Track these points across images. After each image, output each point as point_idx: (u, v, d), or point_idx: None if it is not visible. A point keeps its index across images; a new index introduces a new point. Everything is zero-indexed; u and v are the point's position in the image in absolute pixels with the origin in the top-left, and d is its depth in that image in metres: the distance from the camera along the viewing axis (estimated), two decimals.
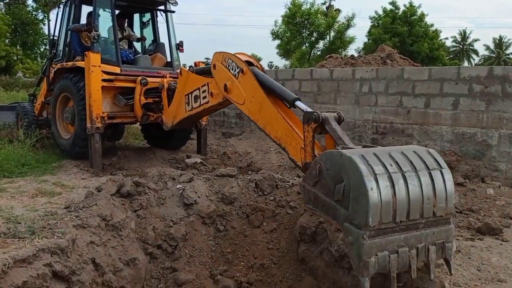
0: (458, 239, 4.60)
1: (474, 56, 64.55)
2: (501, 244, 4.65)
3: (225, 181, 6.20)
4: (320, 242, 5.02)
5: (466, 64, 58.64)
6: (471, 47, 64.78)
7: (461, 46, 64.33)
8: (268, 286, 5.06)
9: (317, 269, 4.75)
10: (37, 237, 4.08)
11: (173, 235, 5.42)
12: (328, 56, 13.18)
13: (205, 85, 6.00)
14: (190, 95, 6.41)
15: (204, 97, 6.05)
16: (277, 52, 45.64)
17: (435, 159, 3.33)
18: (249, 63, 5.04)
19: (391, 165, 3.10)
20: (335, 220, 3.26)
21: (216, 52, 5.57)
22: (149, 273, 5.17)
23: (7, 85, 23.82)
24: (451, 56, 58.42)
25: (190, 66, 6.76)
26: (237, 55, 5.15)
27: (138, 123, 9.09)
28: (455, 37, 64.57)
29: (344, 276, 4.71)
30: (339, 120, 3.96)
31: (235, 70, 5.07)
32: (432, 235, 3.23)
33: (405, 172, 3.10)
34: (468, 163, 7.53)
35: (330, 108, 9.97)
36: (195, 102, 6.30)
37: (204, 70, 6.24)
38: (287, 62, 47.30)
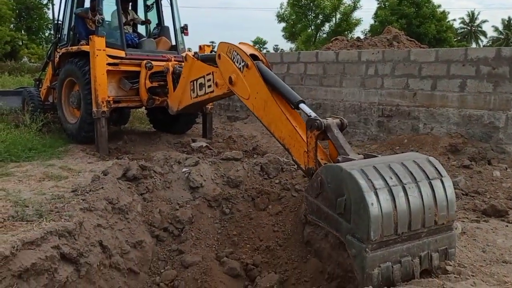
0: (464, 221, 4.61)
1: (482, 37, 63.68)
2: (507, 226, 4.65)
3: (231, 164, 6.22)
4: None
5: (474, 46, 57.92)
6: (479, 29, 63.88)
7: (469, 28, 63.45)
8: (274, 267, 5.10)
9: (322, 251, 4.77)
10: (44, 220, 4.12)
11: (179, 218, 5.47)
12: (334, 38, 13.07)
13: (210, 74, 5.94)
14: (195, 82, 6.36)
15: (209, 86, 6.00)
16: (283, 35, 45.36)
17: (435, 167, 3.35)
18: (254, 57, 4.93)
19: (391, 178, 3.12)
20: (338, 233, 3.30)
21: (221, 42, 5.48)
22: (156, 255, 5.23)
23: (12, 70, 23.84)
24: (459, 38, 57.68)
25: (195, 53, 6.70)
26: (242, 48, 5.04)
27: (144, 107, 9.10)
28: (463, 18, 63.73)
29: (349, 258, 4.73)
30: (342, 127, 3.94)
31: (240, 63, 4.98)
32: (435, 243, 3.27)
33: (405, 184, 3.13)
34: (474, 146, 7.49)
35: (335, 91, 9.93)
36: (200, 90, 6.26)
37: (209, 58, 6.16)
38: (293, 45, 47.00)
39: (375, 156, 3.61)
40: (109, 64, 7.45)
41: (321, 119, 3.82)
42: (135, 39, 8.43)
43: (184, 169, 5.97)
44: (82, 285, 4.11)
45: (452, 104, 8.04)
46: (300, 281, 4.75)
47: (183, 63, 7.23)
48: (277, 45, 73.28)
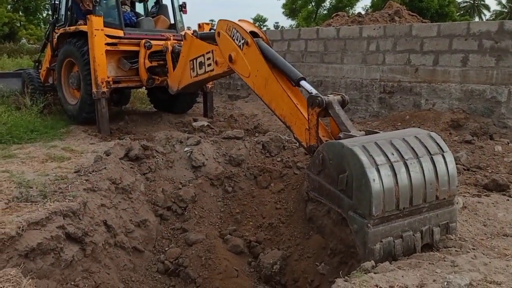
0: (465, 196, 4.63)
1: (485, 11, 62.76)
2: (508, 200, 4.67)
3: (232, 143, 6.23)
4: None
5: (477, 20, 57.14)
6: (482, 2, 62.88)
7: (472, 2, 62.50)
8: (277, 244, 5.16)
9: (324, 228, 4.81)
10: (49, 200, 4.16)
11: (182, 197, 5.50)
12: (335, 14, 12.91)
13: (209, 52, 5.88)
14: (194, 61, 6.32)
15: (209, 65, 5.96)
16: (283, 12, 44.79)
17: (437, 143, 3.34)
18: (254, 34, 4.86)
19: (393, 154, 3.12)
20: (340, 209, 3.32)
21: (220, 20, 5.41)
22: (160, 234, 5.28)
23: (11, 52, 23.68)
24: (462, 12, 56.86)
25: (194, 31, 6.63)
26: (241, 25, 4.96)
27: (144, 87, 9.07)
28: None
29: (351, 234, 4.78)
30: (343, 104, 3.91)
31: (239, 41, 4.91)
32: (436, 217, 3.29)
33: (407, 159, 3.13)
34: (476, 121, 7.48)
35: (337, 68, 9.86)
36: (200, 69, 6.22)
37: (208, 36, 6.10)
38: (293, 22, 46.44)
39: (377, 133, 3.60)
40: (107, 44, 7.39)
41: (322, 96, 3.80)
42: (133, 18, 8.34)
43: (186, 149, 5.99)
44: (88, 263, 4.17)
45: (454, 79, 7.99)
46: (303, 257, 4.80)
47: (182, 42, 7.17)
48: (277, 23, 72.56)
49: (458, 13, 48.31)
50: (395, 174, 3.05)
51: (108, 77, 7.47)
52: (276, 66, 4.51)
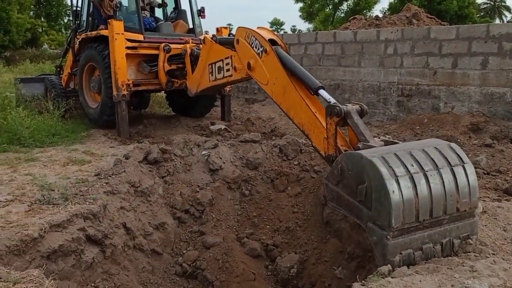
0: (485, 200, 4.57)
1: (506, 13, 61.69)
2: None
3: (249, 146, 6.26)
4: None
5: (497, 21, 56.21)
6: (503, 4, 61.84)
7: (492, 3, 61.49)
8: (294, 248, 5.16)
9: (342, 231, 4.80)
10: (70, 203, 4.25)
11: (200, 200, 5.55)
12: (352, 17, 12.87)
13: (228, 57, 5.89)
14: (213, 65, 6.36)
15: (228, 70, 5.98)
16: (300, 15, 44.78)
17: (457, 154, 3.29)
18: (272, 42, 4.84)
19: (412, 165, 3.09)
20: (359, 220, 3.28)
21: (239, 27, 5.43)
22: (178, 237, 5.34)
23: (33, 58, 24.20)
24: (482, 14, 55.97)
25: (213, 35, 6.67)
26: (260, 33, 4.96)
27: (163, 91, 9.17)
28: None
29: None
30: (362, 113, 3.86)
31: (258, 49, 4.90)
32: (457, 230, 3.24)
33: (427, 171, 3.09)
34: (496, 124, 7.36)
35: (354, 71, 9.83)
36: (218, 73, 6.24)
37: (227, 41, 6.13)
38: (311, 25, 46.36)
39: (396, 143, 3.57)
40: (128, 47, 7.53)
41: (340, 106, 3.77)
42: (152, 23, 8.47)
43: (203, 152, 6.04)
44: (108, 265, 4.24)
45: (474, 82, 7.89)
46: (320, 261, 4.80)
47: (200, 45, 7.24)
48: (294, 26, 72.46)
49: (478, 15, 47.54)
50: (414, 186, 3.02)
51: (128, 80, 7.60)
52: (295, 74, 4.48)
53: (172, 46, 7.77)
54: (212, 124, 8.58)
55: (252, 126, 9.00)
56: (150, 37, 7.90)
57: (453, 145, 3.39)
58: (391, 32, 9.18)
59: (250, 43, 5.04)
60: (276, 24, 73.02)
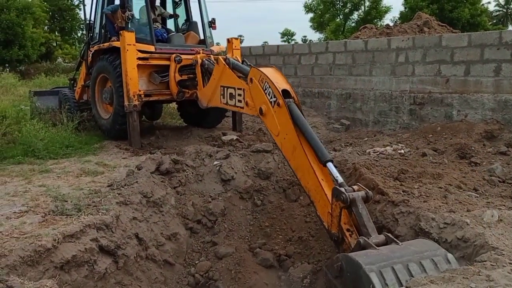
0: (501, 209, 4.49)
1: None
2: None
3: (261, 156, 6.26)
4: None
5: (510, 28, 55.76)
6: None
7: (505, 10, 61.07)
8: (307, 258, 5.12)
9: None
10: (83, 214, 4.28)
11: (212, 210, 5.56)
12: (363, 27, 12.86)
13: (241, 89, 5.70)
14: (225, 89, 6.22)
15: (240, 101, 5.79)
16: (311, 26, 44.97)
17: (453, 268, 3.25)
18: (285, 93, 4.64)
19: (407, 281, 3.07)
20: None
21: (253, 68, 5.22)
22: (190, 247, 5.34)
23: (48, 71, 24.60)
24: (494, 21, 55.59)
25: (226, 57, 6.55)
26: (274, 82, 4.71)
27: (175, 102, 9.23)
28: (498, 0, 61.35)
29: None
30: (367, 199, 3.78)
31: (271, 97, 4.72)
32: None
33: None
34: (511, 131, 7.26)
35: (365, 80, 9.80)
36: (230, 100, 6.09)
37: (240, 70, 5.94)
38: (321, 35, 46.49)
39: (397, 243, 3.49)
40: (139, 58, 7.61)
41: (346, 193, 3.64)
42: (164, 34, 8.56)
43: (215, 162, 6.06)
44: (121, 276, 4.25)
45: (487, 89, 7.81)
46: None
47: (211, 56, 7.27)
48: (305, 36, 72.71)
49: (490, 22, 47.25)
50: None
51: (140, 91, 7.67)
52: (305, 137, 4.31)
53: (183, 56, 7.83)
54: (224, 134, 8.60)
55: (264, 136, 9.00)
56: (162, 48, 7.98)
57: (450, 256, 3.34)
58: (402, 40, 9.16)
59: (264, 88, 4.86)
60: (287, 34, 73.37)
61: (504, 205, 4.71)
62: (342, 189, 3.67)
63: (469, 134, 7.23)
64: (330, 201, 3.86)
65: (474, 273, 3.03)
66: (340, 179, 3.87)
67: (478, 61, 7.88)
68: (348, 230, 3.78)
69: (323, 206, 4.05)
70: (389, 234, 3.56)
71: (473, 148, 6.65)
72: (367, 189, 3.83)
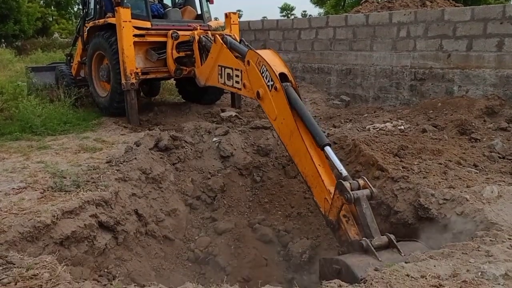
0: (500, 185, 4.49)
1: None
2: None
3: (260, 133, 6.23)
4: None
5: None
6: None
7: None
8: (306, 233, 5.15)
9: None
10: (82, 190, 4.27)
11: (212, 186, 5.56)
12: (364, 1, 12.64)
13: (238, 70, 5.59)
14: (223, 68, 6.11)
15: (237, 82, 5.69)
16: (311, 0, 44.22)
17: None
18: (283, 77, 4.54)
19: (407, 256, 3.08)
20: None
21: (250, 50, 5.10)
22: (190, 223, 5.36)
23: (44, 47, 24.27)
24: None
25: (224, 36, 6.41)
26: (271, 65, 4.60)
27: (172, 78, 9.14)
28: None
29: (381, 223, 4.72)
30: (371, 197, 3.66)
31: (268, 81, 4.63)
32: None
33: None
34: None
35: (366, 55, 9.69)
36: (228, 80, 5.98)
37: (238, 50, 5.80)
38: (321, 10, 45.81)
39: (399, 251, 3.36)
40: (135, 35, 7.48)
41: (352, 186, 3.56)
42: (160, 9, 8.40)
43: (214, 139, 6.03)
44: (120, 251, 4.27)
45: (489, 64, 7.72)
46: (332, 246, 4.79)
47: (209, 32, 7.14)
48: (305, 11, 71.79)
49: None
50: None
51: (137, 69, 7.57)
52: (303, 121, 4.23)
53: (180, 33, 7.69)
54: (223, 111, 8.55)
55: (263, 113, 8.89)
56: (158, 24, 7.83)
57: None
58: (404, 14, 9.00)
59: (261, 72, 4.76)
60: (286, 9, 72.34)
61: (503, 181, 4.70)
62: (347, 185, 3.57)
63: (469, 110, 7.19)
64: (327, 188, 3.83)
65: (474, 249, 3.04)
66: (344, 172, 3.77)
67: (481, 36, 7.77)
68: (344, 216, 3.75)
69: (319, 192, 4.02)
70: (391, 236, 3.50)
71: (473, 124, 6.61)
72: (371, 186, 3.70)
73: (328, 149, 4.00)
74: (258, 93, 4.81)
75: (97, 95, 8.47)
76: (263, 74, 4.72)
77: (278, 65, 4.65)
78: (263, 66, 4.71)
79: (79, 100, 8.68)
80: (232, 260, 5.00)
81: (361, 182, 3.68)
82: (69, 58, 10.29)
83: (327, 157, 4.01)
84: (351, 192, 3.55)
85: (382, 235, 3.52)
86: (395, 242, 3.45)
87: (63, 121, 7.39)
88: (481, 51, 7.81)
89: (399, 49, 9.07)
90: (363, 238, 3.48)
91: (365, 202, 3.63)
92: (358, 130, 7.08)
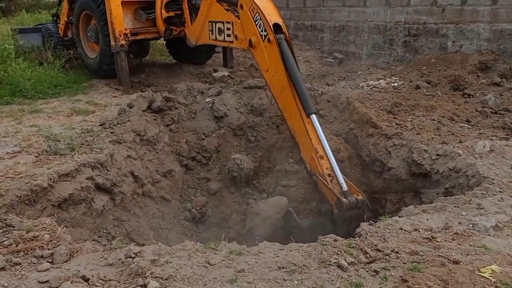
0: (492, 139, 4.54)
1: None
2: None
3: (254, 92, 6.19)
4: (352, 147, 5.08)
5: None
6: None
7: None
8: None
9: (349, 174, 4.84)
10: (77, 153, 4.26)
11: (206, 147, 5.57)
12: None
13: (229, 23, 5.47)
14: (214, 24, 5.97)
15: (229, 35, 5.57)
16: None
17: None
18: (277, 28, 4.39)
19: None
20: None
21: None
22: (186, 183, 5.41)
23: (29, 7, 23.56)
24: None
25: None
26: (265, 14, 4.44)
27: (162, 39, 8.96)
28: None
29: (375, 179, 4.80)
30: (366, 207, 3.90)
31: (262, 30, 4.49)
32: None
33: None
34: (506, 62, 7.18)
35: (359, 11, 9.52)
36: (219, 35, 5.87)
37: (228, 0, 5.63)
38: None
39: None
40: None
41: (350, 203, 3.72)
42: None
43: (207, 99, 5.99)
44: (118, 212, 4.32)
45: (483, 19, 7.62)
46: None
47: None
48: None
49: None
50: None
51: (126, 30, 7.40)
52: (293, 82, 4.18)
53: None
54: (215, 71, 8.45)
55: (256, 72, 8.85)
56: None
57: None
58: None
59: (254, 19, 4.61)
60: None
61: (495, 136, 4.76)
62: (346, 203, 3.71)
63: (463, 65, 7.16)
64: (314, 147, 3.95)
65: (465, 202, 3.11)
66: (344, 186, 3.82)
67: None
68: (329, 175, 3.89)
69: (307, 150, 4.09)
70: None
71: (466, 79, 6.62)
72: (367, 201, 3.91)
73: (314, 118, 4.04)
74: (250, 41, 4.73)
75: (86, 57, 8.31)
76: (256, 22, 4.60)
77: (272, 14, 4.53)
78: (257, 14, 4.59)
79: (68, 62, 8.52)
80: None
81: (359, 198, 3.80)
82: (55, 18, 10.01)
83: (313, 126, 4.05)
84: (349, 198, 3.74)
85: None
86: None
87: (53, 84, 7.27)
88: (475, 5, 7.69)
89: (393, 4, 8.91)
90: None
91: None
92: (351, 88, 7.06)
